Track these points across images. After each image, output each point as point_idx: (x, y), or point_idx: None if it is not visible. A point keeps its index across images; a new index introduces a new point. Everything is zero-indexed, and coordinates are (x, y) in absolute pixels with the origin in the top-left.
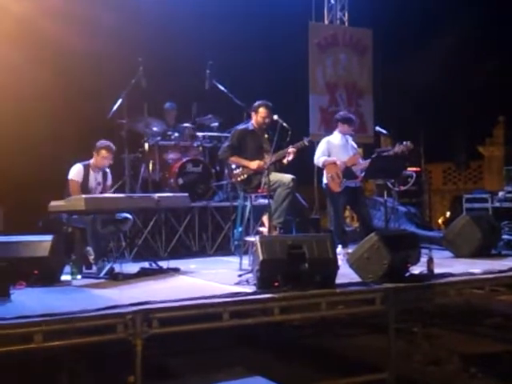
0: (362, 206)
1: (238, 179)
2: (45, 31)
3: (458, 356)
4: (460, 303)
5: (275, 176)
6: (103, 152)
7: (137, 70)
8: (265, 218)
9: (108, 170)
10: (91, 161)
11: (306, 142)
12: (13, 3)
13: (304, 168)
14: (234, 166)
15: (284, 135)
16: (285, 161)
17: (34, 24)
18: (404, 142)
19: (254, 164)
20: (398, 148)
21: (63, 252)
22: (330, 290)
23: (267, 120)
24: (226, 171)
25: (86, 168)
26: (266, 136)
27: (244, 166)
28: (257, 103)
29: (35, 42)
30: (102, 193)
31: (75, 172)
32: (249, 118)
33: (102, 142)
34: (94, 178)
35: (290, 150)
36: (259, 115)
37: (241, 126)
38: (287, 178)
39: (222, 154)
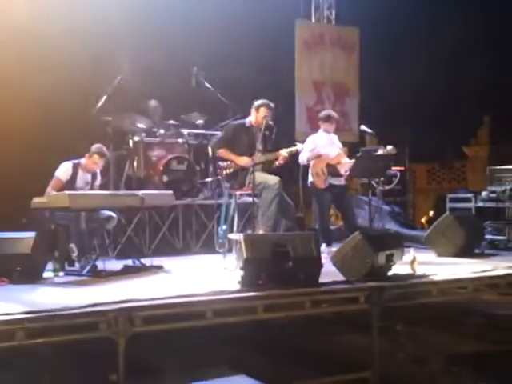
0: (346, 204)
1: (224, 172)
2: (33, 28)
3: (441, 355)
4: (443, 302)
5: (261, 177)
6: (95, 157)
7: (123, 66)
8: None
9: (98, 171)
10: (82, 160)
11: (298, 148)
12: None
13: (289, 167)
14: (220, 162)
15: (269, 133)
16: (276, 163)
17: (22, 22)
18: (388, 147)
19: (241, 160)
20: (381, 151)
21: (46, 249)
22: (313, 289)
23: (266, 120)
24: (212, 169)
25: (75, 167)
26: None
27: (231, 161)
28: (259, 102)
29: (25, 38)
30: None
31: (63, 171)
32: (237, 115)
33: (97, 147)
34: (83, 177)
35: (282, 154)
36: (259, 114)
37: (237, 122)
38: (273, 180)
39: (213, 145)
